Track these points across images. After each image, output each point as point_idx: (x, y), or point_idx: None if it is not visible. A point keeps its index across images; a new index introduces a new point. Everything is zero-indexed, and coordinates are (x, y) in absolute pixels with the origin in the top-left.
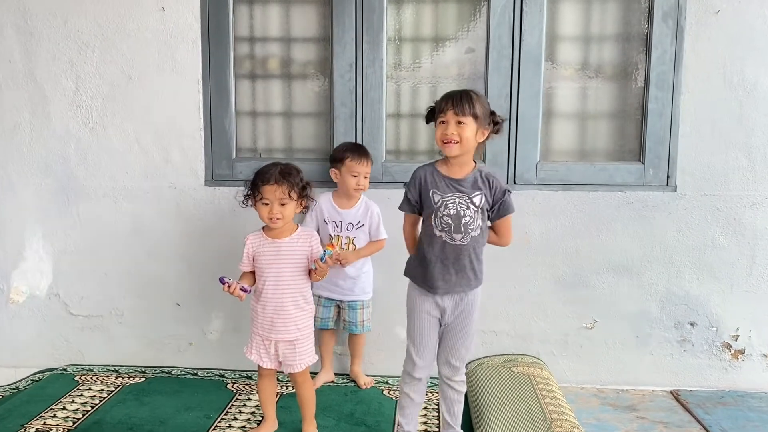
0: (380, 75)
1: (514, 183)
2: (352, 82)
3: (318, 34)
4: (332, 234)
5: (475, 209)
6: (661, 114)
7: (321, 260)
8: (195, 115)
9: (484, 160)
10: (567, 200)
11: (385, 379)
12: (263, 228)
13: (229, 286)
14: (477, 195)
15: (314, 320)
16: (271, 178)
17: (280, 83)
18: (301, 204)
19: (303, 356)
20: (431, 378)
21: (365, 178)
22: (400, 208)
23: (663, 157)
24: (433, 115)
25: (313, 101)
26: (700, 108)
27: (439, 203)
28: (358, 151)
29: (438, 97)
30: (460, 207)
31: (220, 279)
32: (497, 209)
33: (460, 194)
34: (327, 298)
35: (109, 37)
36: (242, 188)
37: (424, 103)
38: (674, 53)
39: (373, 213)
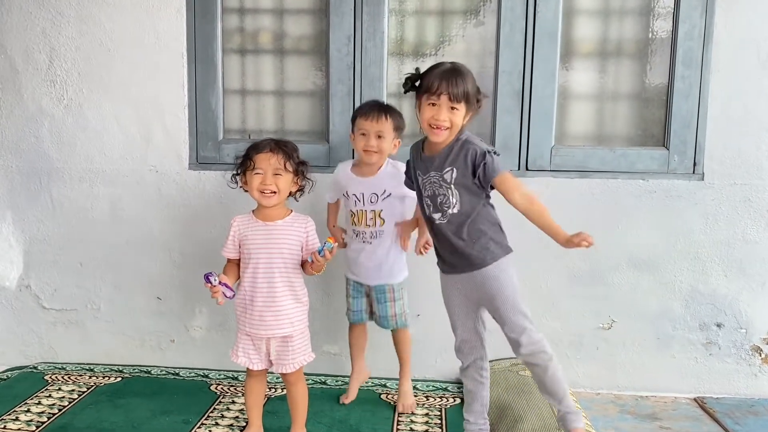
0: (381, 49)
1: (527, 169)
2: (350, 57)
3: (313, 4)
4: (354, 210)
5: (447, 186)
6: (688, 95)
7: (319, 253)
8: (179, 93)
9: (494, 144)
10: (584, 188)
11: (383, 382)
12: (253, 211)
13: (213, 286)
14: (447, 171)
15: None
16: (265, 147)
17: (272, 59)
18: (296, 182)
19: (297, 355)
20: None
21: (379, 137)
22: (405, 184)
23: (689, 142)
24: (414, 84)
25: (307, 78)
26: (731, 88)
27: (421, 185)
28: (368, 105)
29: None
30: (435, 186)
31: (205, 275)
32: (482, 175)
33: (434, 173)
34: (356, 282)
35: (85, 6)
36: (231, 171)
37: None
38: (704, 27)
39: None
